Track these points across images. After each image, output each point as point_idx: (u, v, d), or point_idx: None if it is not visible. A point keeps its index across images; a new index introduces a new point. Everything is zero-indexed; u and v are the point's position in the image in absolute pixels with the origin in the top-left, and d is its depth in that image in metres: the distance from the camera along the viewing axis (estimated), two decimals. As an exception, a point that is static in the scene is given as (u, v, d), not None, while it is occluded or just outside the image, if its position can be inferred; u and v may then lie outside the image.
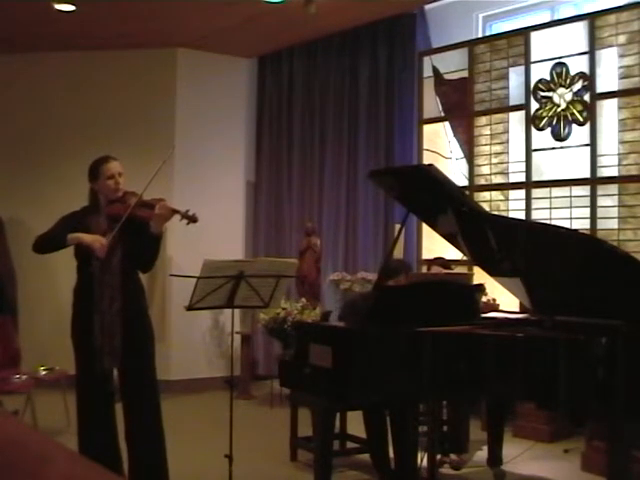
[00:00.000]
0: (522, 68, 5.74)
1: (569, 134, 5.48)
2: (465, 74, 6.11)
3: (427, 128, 6.37)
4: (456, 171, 6.14)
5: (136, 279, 3.61)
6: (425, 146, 6.36)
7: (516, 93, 5.79)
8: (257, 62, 7.70)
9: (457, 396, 4.06)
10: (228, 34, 6.69)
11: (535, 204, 5.65)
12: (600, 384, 2.64)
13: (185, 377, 6.88)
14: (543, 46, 5.63)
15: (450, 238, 3.59)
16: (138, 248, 3.49)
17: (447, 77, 6.25)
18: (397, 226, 4.82)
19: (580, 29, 5.42)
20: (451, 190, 3.32)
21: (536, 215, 5.62)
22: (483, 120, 6.02)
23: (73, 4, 5.80)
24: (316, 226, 6.80)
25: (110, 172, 3.56)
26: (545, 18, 6.10)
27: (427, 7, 6.61)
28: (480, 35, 6.47)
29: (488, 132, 5.99)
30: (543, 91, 5.63)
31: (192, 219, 3.44)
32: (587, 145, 5.36)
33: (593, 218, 5.29)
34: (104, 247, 3.39)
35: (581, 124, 5.41)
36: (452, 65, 6.21)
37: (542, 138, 5.63)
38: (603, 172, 5.29)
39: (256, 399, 6.58)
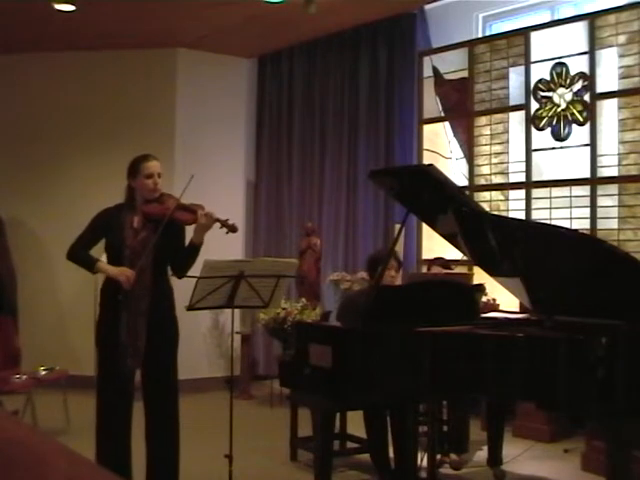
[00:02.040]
0: (522, 68, 5.74)
1: (569, 134, 5.48)
2: (465, 74, 6.11)
3: (427, 128, 6.37)
4: (456, 171, 6.14)
5: (166, 280, 3.59)
6: (425, 146, 6.36)
7: (516, 93, 5.79)
8: (257, 62, 7.71)
9: (457, 396, 4.06)
10: (228, 34, 6.69)
11: (535, 204, 5.65)
12: (600, 384, 2.64)
13: (185, 377, 6.84)
14: (543, 46, 5.63)
15: (450, 238, 3.59)
16: (172, 250, 3.48)
17: (447, 77, 6.25)
18: (397, 226, 4.82)
19: (580, 29, 5.42)
20: (451, 190, 3.32)
21: (536, 215, 5.62)
22: (483, 120, 6.02)
23: (73, 4, 5.80)
24: (316, 226, 6.80)
25: (149, 171, 3.53)
26: (545, 18, 6.10)
27: (427, 7, 6.61)
28: (480, 35, 6.46)
29: (488, 132, 5.99)
30: (543, 91, 5.63)
31: (232, 229, 3.50)
32: (587, 145, 5.36)
33: (593, 218, 5.29)
34: (130, 280, 3.38)
35: (581, 124, 5.41)
36: (452, 65, 6.21)
37: (542, 138, 5.63)
38: (603, 172, 5.29)
39: (256, 399, 6.58)
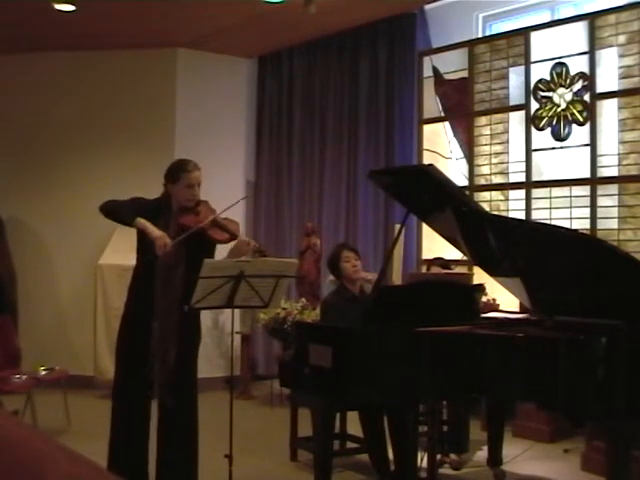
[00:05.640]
0: (522, 68, 5.74)
1: (569, 134, 5.48)
2: (465, 74, 6.11)
3: (427, 128, 6.37)
4: (456, 171, 6.14)
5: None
6: (425, 146, 6.36)
7: (516, 93, 5.79)
8: (257, 62, 7.71)
9: (457, 396, 4.06)
10: (228, 34, 6.69)
11: (535, 204, 5.65)
12: (600, 384, 2.64)
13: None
14: (543, 46, 5.63)
15: (450, 238, 3.59)
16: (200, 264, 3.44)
17: (447, 77, 6.25)
18: (397, 226, 4.82)
19: (580, 29, 5.42)
20: (451, 190, 3.32)
21: (536, 215, 5.61)
22: (483, 120, 6.02)
23: (73, 4, 5.81)
24: (316, 226, 6.79)
25: (190, 182, 3.52)
26: (545, 18, 6.10)
27: (427, 7, 6.61)
28: (480, 35, 6.46)
29: (488, 132, 5.99)
30: (543, 91, 5.63)
31: (263, 254, 3.56)
32: (587, 145, 5.36)
33: (593, 218, 5.29)
34: (165, 248, 3.32)
35: (581, 124, 5.41)
36: (452, 65, 6.21)
37: (542, 138, 5.63)
38: (603, 172, 5.29)
39: (256, 399, 6.58)
